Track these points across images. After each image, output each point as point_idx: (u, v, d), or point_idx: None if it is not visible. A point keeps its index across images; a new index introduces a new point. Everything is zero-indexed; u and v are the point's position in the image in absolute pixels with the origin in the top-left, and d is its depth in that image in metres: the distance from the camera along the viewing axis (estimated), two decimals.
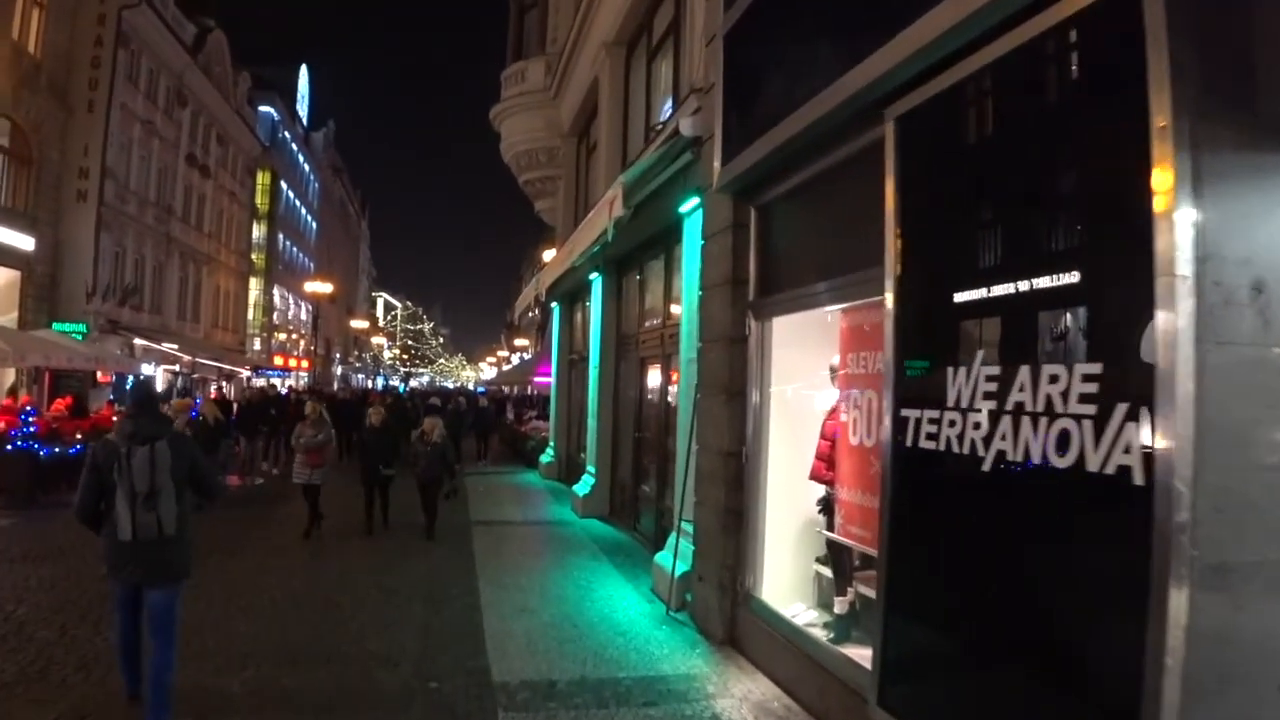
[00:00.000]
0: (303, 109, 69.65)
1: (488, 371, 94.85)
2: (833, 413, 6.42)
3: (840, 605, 6.43)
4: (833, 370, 6.51)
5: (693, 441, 8.41)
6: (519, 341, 69.19)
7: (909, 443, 4.66)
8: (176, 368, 37.14)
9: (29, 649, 6.76)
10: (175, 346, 34.58)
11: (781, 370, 7.34)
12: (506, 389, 46.12)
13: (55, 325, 27.69)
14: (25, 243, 27.41)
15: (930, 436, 4.48)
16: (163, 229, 36.84)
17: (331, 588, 9.18)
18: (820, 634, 6.45)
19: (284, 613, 8.17)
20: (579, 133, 19.03)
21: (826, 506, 6.48)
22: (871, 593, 6.08)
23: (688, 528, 8.51)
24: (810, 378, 7.10)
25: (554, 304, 20.62)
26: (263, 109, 54.73)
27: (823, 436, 6.57)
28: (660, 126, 9.89)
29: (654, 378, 12.27)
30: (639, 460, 12.87)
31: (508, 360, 75.31)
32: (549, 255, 19.29)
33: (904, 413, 4.74)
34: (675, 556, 8.57)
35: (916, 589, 4.73)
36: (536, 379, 30.11)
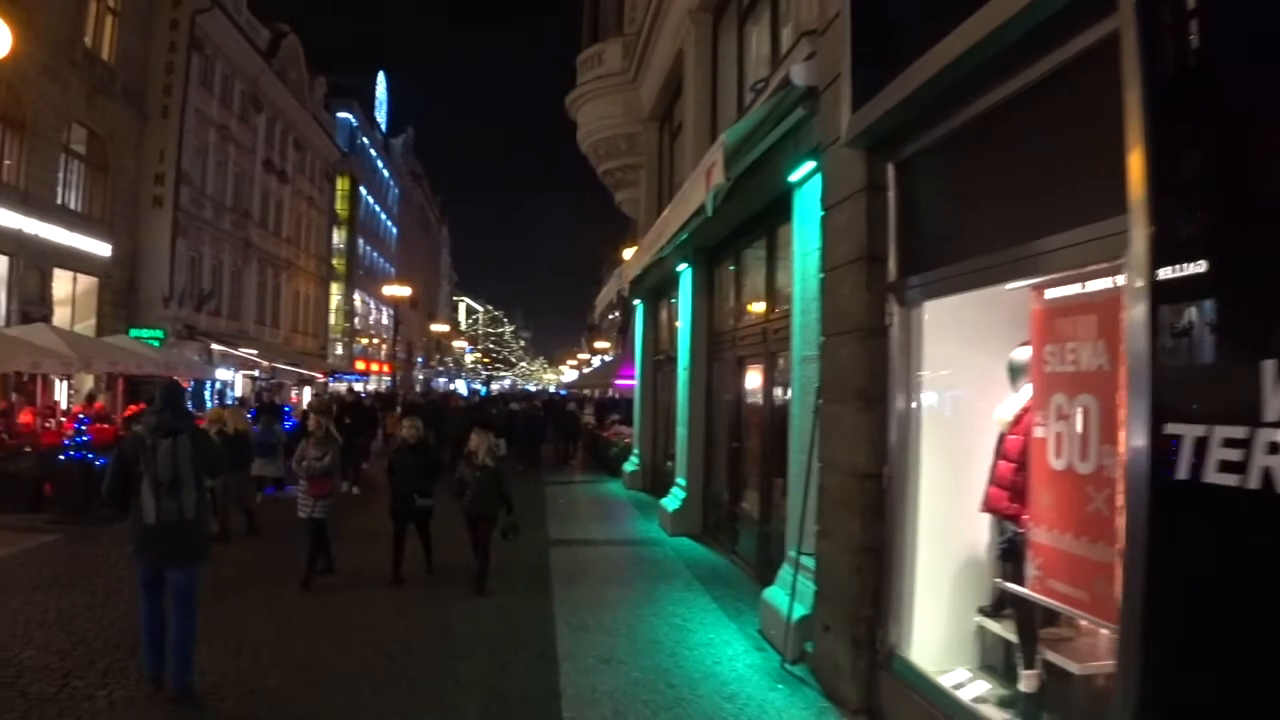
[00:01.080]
0: (381, 115, 69.80)
1: (569, 374, 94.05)
2: (1018, 424, 4.84)
3: (1029, 682, 4.82)
4: (1016, 368, 4.96)
5: (813, 458, 6.86)
6: (600, 344, 68.18)
7: (1182, 473, 3.08)
8: (256, 373, 36.79)
9: (16, 708, 5.65)
10: (254, 352, 34.15)
11: (936, 369, 5.74)
12: (588, 392, 45.01)
13: (132, 332, 27.50)
14: (102, 249, 27.21)
15: (1230, 467, 2.89)
16: (240, 234, 36.56)
17: (383, 636, 7.84)
18: (998, 716, 4.88)
19: (323, 661, 6.89)
20: (661, 116, 17.63)
21: (1011, 549, 4.88)
22: (1067, 663, 4.53)
23: (808, 563, 6.99)
24: (977, 378, 5.52)
25: (637, 301, 19.23)
26: (341, 115, 54.98)
27: (1002, 456, 4.97)
28: (760, 85, 8.36)
29: (753, 380, 10.78)
30: (736, 473, 11.37)
31: (588, 363, 74.33)
32: (629, 254, 17.77)
33: (1170, 429, 3.15)
34: (792, 597, 7.04)
35: (1200, 695, 3.14)
36: (619, 382, 28.76)
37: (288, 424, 23.87)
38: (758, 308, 10.64)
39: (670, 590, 9.52)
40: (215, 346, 32.47)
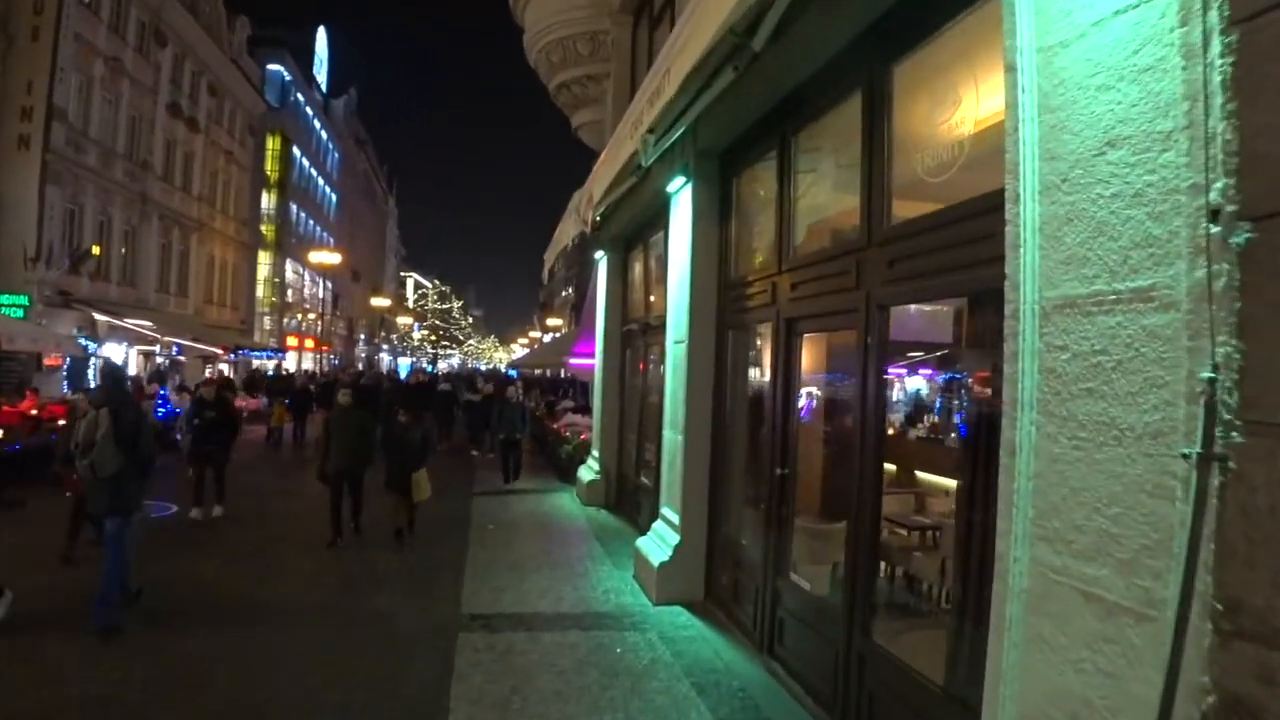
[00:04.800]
0: (322, 75, 64.42)
1: (520, 353, 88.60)
2: None
3: None
4: None
5: None
6: (553, 321, 63.65)
7: None
8: (157, 349, 31.52)
9: None
10: (147, 324, 28.86)
11: None
12: (540, 372, 40.27)
13: None
14: None
15: None
16: (137, 187, 31.32)
17: None
18: None
19: None
20: (635, 6, 12.98)
21: None
22: None
23: None
24: None
25: (599, 254, 14.54)
26: (271, 67, 50.00)
27: None
28: None
29: (814, 356, 6.28)
30: (778, 517, 6.71)
31: (540, 341, 69.47)
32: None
33: None
34: None
35: None
36: (573, 360, 23.75)
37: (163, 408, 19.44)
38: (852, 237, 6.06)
39: None
40: (99, 317, 27.29)
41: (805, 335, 6.40)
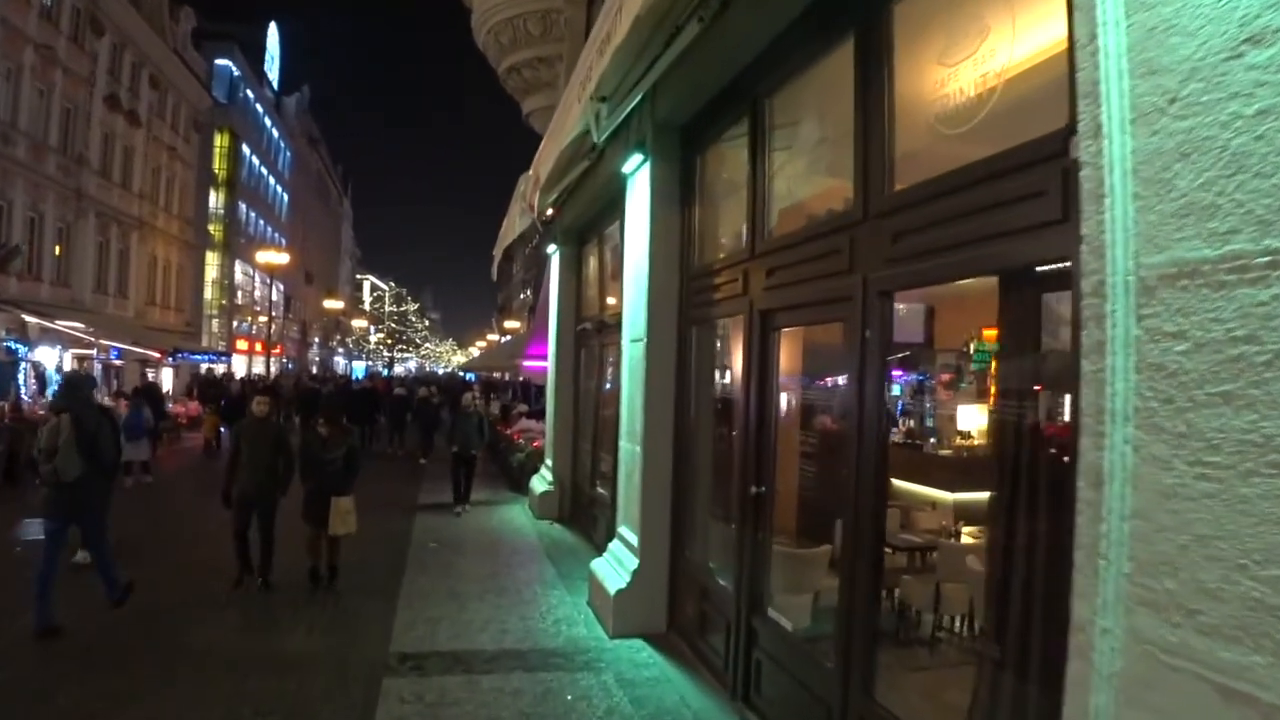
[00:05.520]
0: (273, 72, 62.73)
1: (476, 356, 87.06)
2: None
3: None
4: None
5: None
6: (510, 324, 62.47)
7: None
8: (94, 353, 29.97)
9: None
10: (79, 325, 27.35)
11: None
12: (499, 375, 39.14)
13: None
14: None
15: None
16: (71, 182, 29.70)
17: None
18: None
19: None
20: None
21: None
22: None
23: None
24: None
25: (552, 248, 13.58)
26: (219, 61, 48.57)
27: None
28: None
29: (791, 355, 5.39)
30: (754, 542, 5.74)
31: (498, 344, 68.21)
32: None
33: None
34: None
35: None
36: (526, 363, 22.71)
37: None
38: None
39: None
40: (29, 319, 25.83)
41: (784, 330, 5.49)
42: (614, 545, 7.95)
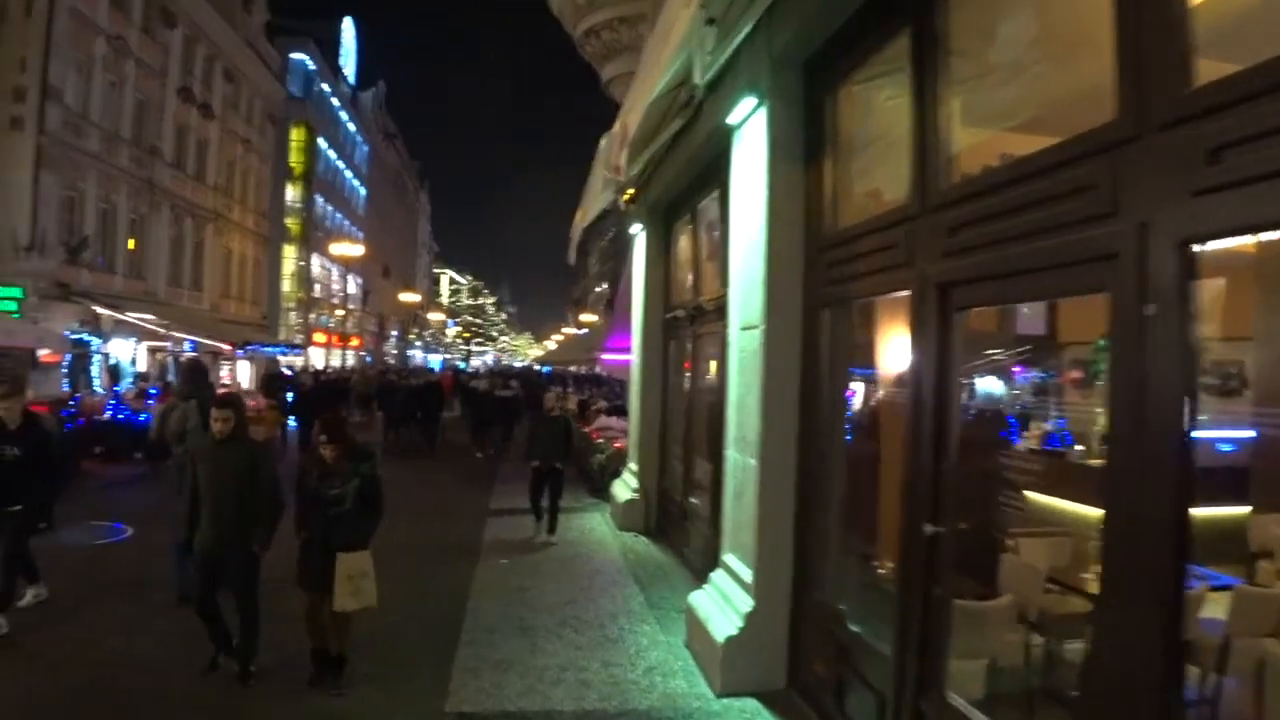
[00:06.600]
0: (349, 67, 62.68)
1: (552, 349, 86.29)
2: None
3: None
4: None
5: None
6: (586, 318, 61.40)
7: None
8: (169, 345, 29.64)
9: None
10: (150, 317, 26.90)
11: None
12: (574, 369, 38.27)
13: None
14: None
15: None
16: (144, 174, 29.32)
17: None
18: None
19: None
20: None
21: None
22: None
23: None
24: None
25: (636, 228, 12.19)
26: (295, 56, 48.38)
27: None
28: None
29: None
30: (925, 596, 4.15)
31: (574, 339, 67.36)
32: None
33: None
34: None
35: None
36: (605, 356, 21.35)
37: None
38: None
39: None
40: (102, 311, 25.48)
41: (973, 309, 4.02)
42: (718, 577, 6.54)
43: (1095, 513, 6.88)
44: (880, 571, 5.09)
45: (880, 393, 5.45)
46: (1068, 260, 3.14)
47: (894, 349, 4.86)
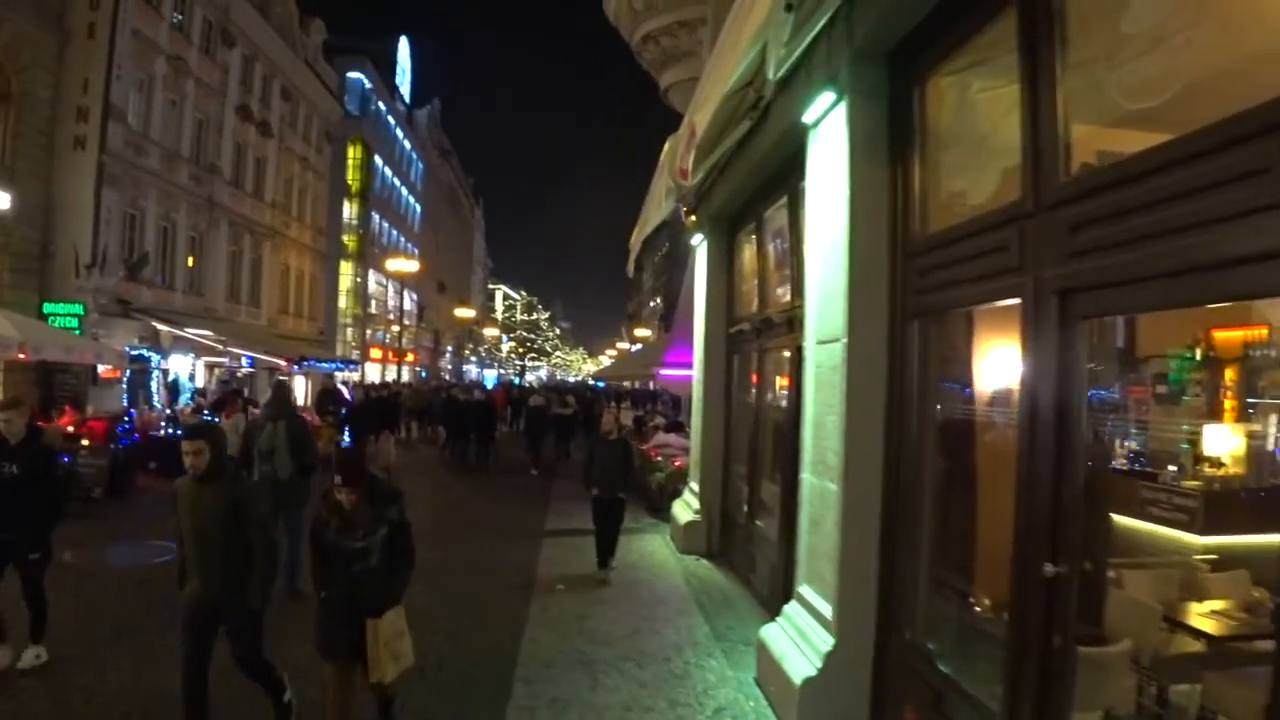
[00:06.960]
0: (404, 85, 63.45)
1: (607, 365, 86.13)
2: None
3: None
4: None
5: None
6: (640, 333, 61.17)
7: None
8: (226, 360, 29.90)
9: None
10: (207, 333, 27.05)
11: None
12: (628, 384, 37.93)
13: (47, 306, 22.36)
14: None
15: None
16: (203, 192, 29.64)
17: None
18: None
19: None
20: None
21: None
22: None
23: None
24: None
25: (698, 238, 11.74)
26: (351, 75, 49.09)
27: None
28: None
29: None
30: (1045, 645, 3.60)
31: (628, 354, 67.05)
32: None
33: None
34: None
35: None
36: (664, 372, 20.92)
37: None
38: None
39: None
40: (161, 327, 25.72)
41: (1104, 316, 3.52)
42: (793, 610, 6.05)
43: (1195, 539, 6.34)
44: (978, 611, 4.59)
45: (979, 413, 4.94)
46: (1241, 255, 2.63)
47: (995, 364, 4.36)
